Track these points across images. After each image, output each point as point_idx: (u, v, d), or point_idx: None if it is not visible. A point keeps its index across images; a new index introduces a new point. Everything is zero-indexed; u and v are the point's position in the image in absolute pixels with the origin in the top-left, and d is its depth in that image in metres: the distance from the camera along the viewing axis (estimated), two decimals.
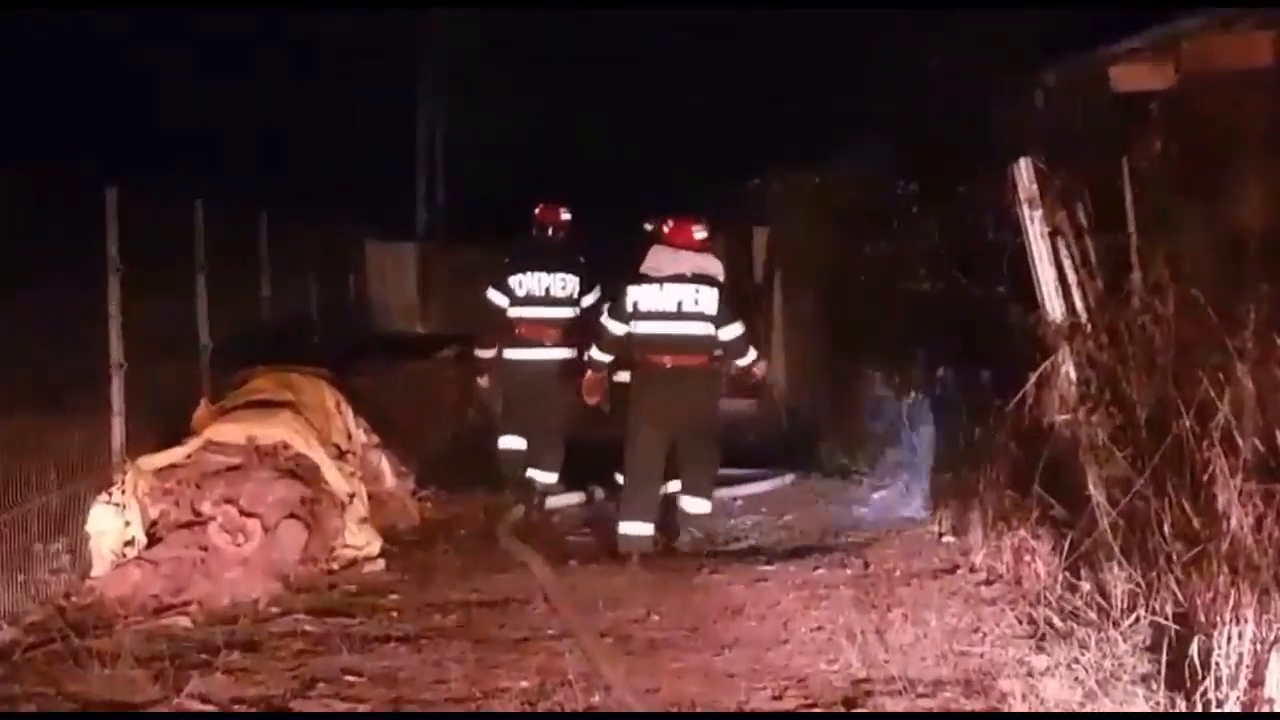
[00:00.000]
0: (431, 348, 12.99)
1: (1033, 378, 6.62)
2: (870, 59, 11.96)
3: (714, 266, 8.11)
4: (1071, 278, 6.72)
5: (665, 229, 8.20)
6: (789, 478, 10.10)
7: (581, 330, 9.19)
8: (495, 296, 9.44)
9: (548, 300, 9.41)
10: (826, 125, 12.46)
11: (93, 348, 7.46)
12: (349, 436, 8.55)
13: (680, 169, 17.79)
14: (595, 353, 8.36)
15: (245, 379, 8.52)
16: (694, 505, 8.20)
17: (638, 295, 8.00)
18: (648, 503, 8.01)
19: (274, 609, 6.84)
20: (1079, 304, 6.68)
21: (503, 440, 9.63)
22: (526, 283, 9.42)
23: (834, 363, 11.16)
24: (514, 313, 9.39)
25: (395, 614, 6.77)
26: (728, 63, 18.83)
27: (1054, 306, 6.67)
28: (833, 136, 11.97)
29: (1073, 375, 6.52)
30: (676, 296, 7.93)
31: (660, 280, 7.97)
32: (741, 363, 8.27)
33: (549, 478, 9.42)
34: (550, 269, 9.41)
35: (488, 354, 9.68)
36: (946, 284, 8.52)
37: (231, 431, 7.73)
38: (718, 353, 8.12)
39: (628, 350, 8.17)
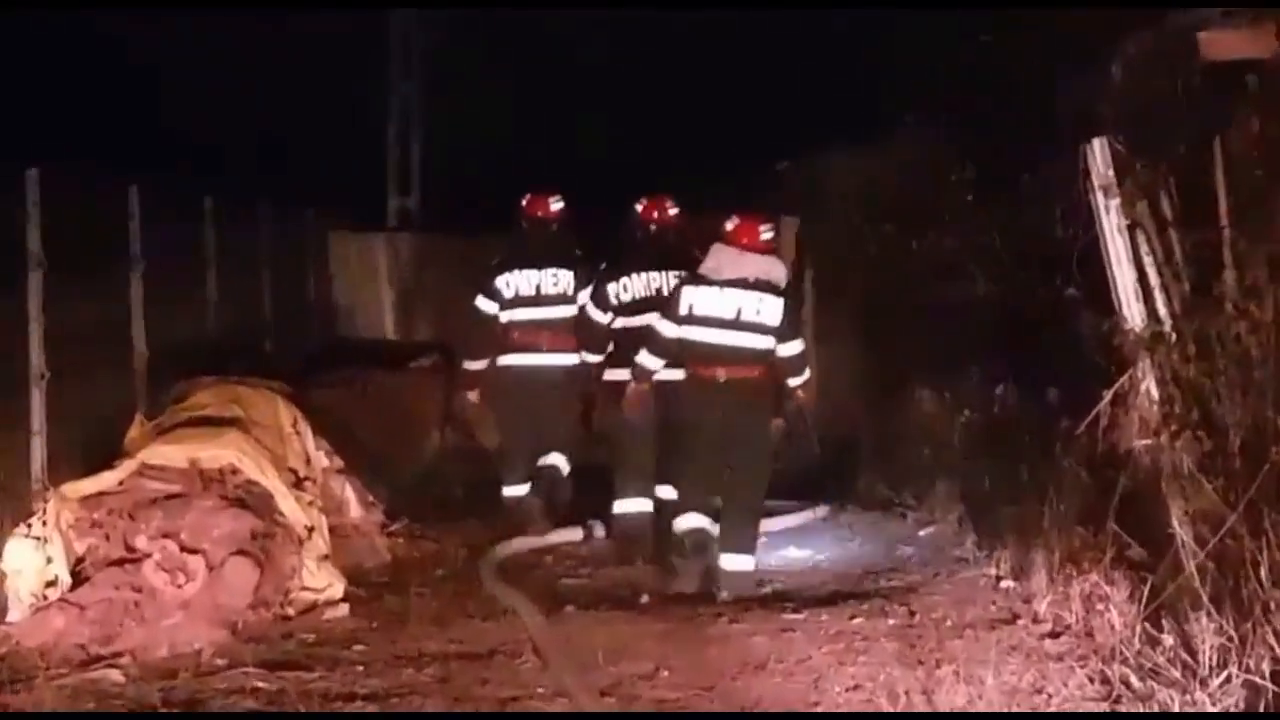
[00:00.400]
0: (405, 356, 13.01)
1: (1107, 396, 6.62)
2: (914, 28, 11.98)
3: (778, 271, 8.20)
4: (1154, 278, 6.72)
5: (728, 227, 8.21)
6: (821, 510, 10.09)
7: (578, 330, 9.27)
8: (484, 304, 9.48)
9: (539, 300, 9.45)
10: (863, 106, 12.48)
11: (10, 355, 7.47)
12: (307, 460, 8.55)
13: (679, 166, 17.90)
14: (645, 359, 8.39)
15: (187, 392, 8.53)
16: (734, 563, 8.21)
17: (694, 298, 8.10)
18: (704, 502, 8.24)
19: (220, 661, 6.83)
20: (1162, 309, 6.67)
21: (507, 490, 9.65)
22: (514, 282, 9.46)
23: (875, 376, 11.15)
24: (505, 317, 9.44)
25: (361, 668, 6.75)
26: (735, 45, 19.04)
27: (1133, 312, 6.67)
28: (871, 118, 11.99)
29: (1154, 393, 6.51)
30: (736, 303, 8.03)
31: (720, 284, 8.04)
32: (793, 382, 8.37)
33: (558, 460, 9.45)
34: (540, 265, 9.46)
35: (477, 366, 9.68)
36: (1006, 286, 8.53)
37: (170, 453, 7.73)
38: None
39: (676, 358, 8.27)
